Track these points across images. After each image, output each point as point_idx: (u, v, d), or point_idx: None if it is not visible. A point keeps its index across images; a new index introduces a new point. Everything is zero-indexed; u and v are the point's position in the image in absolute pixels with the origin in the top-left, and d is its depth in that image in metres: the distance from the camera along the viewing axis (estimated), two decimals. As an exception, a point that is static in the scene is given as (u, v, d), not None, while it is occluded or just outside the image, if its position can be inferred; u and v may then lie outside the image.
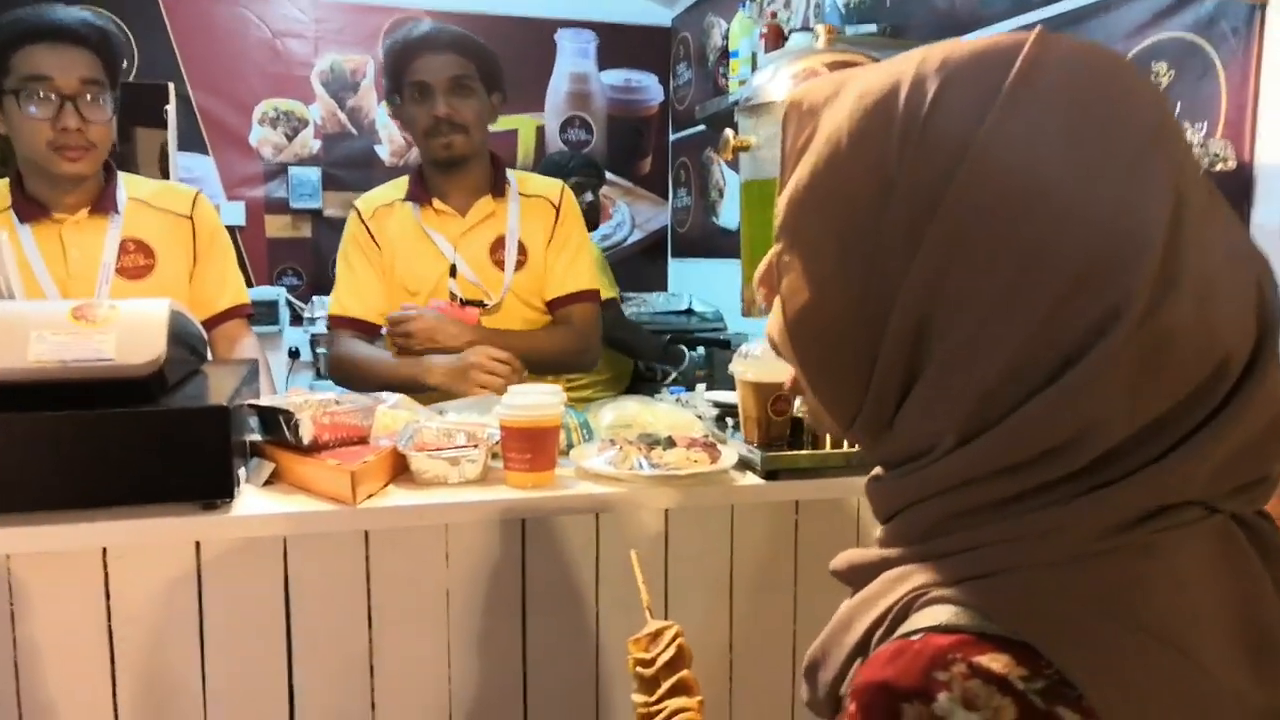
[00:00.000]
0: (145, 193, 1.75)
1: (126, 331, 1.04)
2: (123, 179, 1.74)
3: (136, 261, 1.69)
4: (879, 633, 0.53)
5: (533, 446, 1.24)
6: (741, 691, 1.35)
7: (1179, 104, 1.78)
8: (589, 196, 3.38)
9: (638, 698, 0.90)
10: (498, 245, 1.95)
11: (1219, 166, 1.45)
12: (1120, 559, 0.49)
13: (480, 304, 1.93)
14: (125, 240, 1.69)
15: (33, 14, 1.57)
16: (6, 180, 1.67)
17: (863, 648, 0.54)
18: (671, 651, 0.90)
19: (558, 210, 2.00)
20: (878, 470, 0.59)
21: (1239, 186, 1.71)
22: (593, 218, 3.44)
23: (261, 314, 3.43)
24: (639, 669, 0.90)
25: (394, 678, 1.23)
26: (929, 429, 0.52)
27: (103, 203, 1.68)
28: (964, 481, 0.52)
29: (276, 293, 3.93)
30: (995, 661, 0.45)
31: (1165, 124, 0.50)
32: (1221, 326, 0.48)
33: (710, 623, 1.33)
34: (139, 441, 1.06)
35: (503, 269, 1.95)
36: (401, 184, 2.00)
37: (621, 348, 3.25)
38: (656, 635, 0.91)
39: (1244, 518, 0.54)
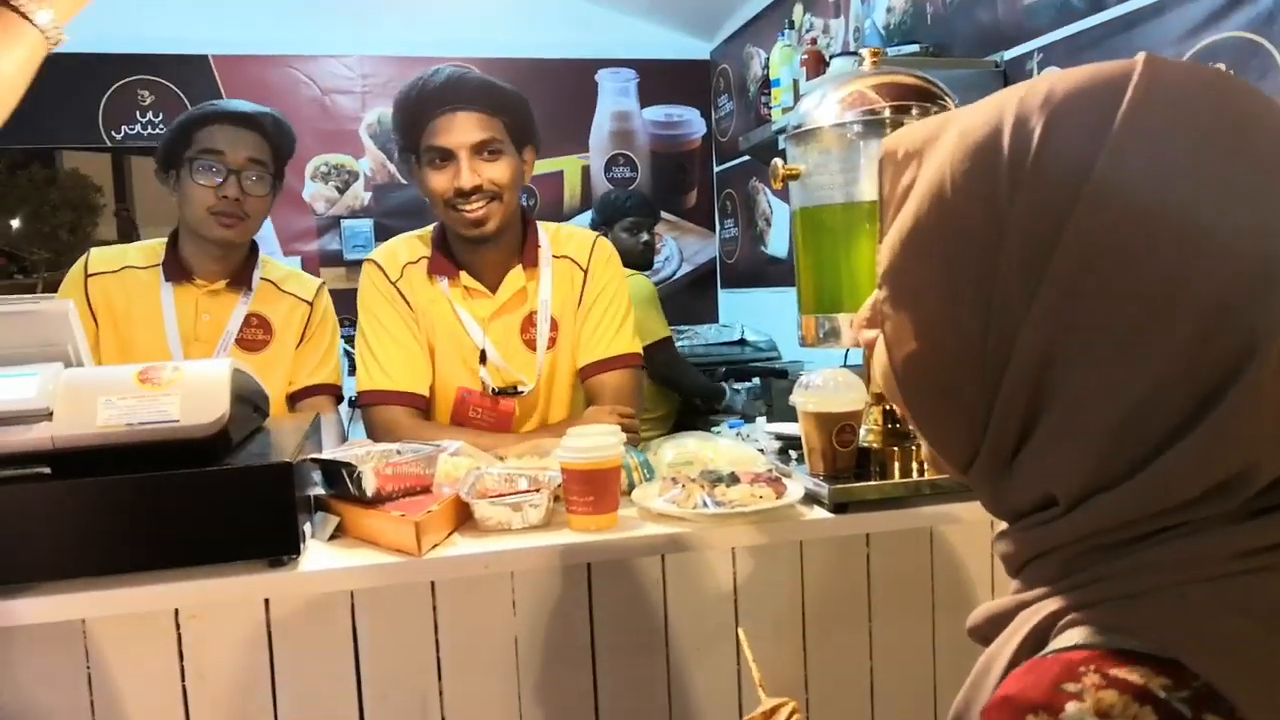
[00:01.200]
0: (277, 275, 1.91)
1: (190, 392, 1.05)
2: (261, 260, 1.90)
3: (256, 335, 1.84)
4: (1020, 663, 0.52)
5: (595, 488, 1.22)
6: (820, 733, 1.30)
7: None
8: (644, 236, 3.36)
9: None
10: (528, 323, 1.75)
11: None
12: (1261, 578, 0.48)
13: (515, 391, 1.74)
14: (250, 315, 1.84)
15: (221, 101, 1.88)
16: (164, 241, 1.84)
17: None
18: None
19: (585, 271, 1.78)
20: (1004, 526, 0.58)
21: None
22: (647, 258, 3.43)
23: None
24: None
25: (466, 730, 1.21)
26: (1053, 474, 0.51)
27: (241, 278, 1.84)
28: (1097, 531, 0.50)
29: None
30: (1133, 673, 0.44)
31: None
32: None
33: (783, 663, 1.29)
34: (205, 501, 1.06)
35: (534, 349, 1.75)
36: (418, 243, 1.78)
37: (669, 385, 3.24)
38: (773, 712, 0.88)
39: None
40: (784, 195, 3.83)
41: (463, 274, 1.73)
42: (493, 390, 1.73)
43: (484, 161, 1.65)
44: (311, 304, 1.91)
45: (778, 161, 1.29)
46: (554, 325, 1.76)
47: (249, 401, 1.25)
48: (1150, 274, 0.46)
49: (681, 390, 3.31)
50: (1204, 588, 0.47)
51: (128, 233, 4.36)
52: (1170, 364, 0.46)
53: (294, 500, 1.08)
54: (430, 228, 1.81)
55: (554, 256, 1.78)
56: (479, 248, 1.72)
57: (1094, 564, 0.51)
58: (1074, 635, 0.48)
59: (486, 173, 1.64)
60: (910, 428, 1.36)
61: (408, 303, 1.74)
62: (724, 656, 1.27)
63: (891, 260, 0.55)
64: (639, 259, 3.28)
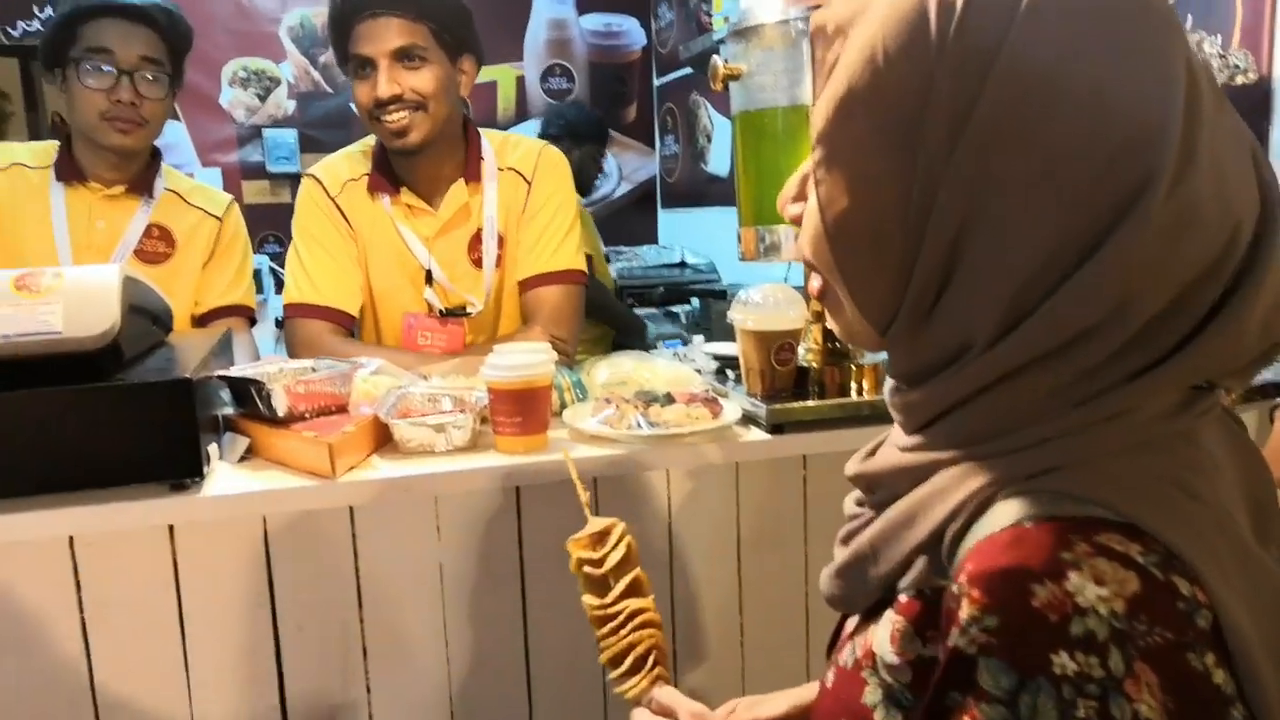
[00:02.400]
0: (182, 188, 1.78)
1: (74, 301, 0.96)
2: (165, 170, 1.77)
3: (157, 248, 1.71)
4: (954, 526, 0.53)
5: (523, 409, 1.16)
6: (754, 653, 1.29)
7: (1189, 16, 1.68)
8: (592, 162, 3.22)
9: (590, 600, 0.85)
10: (475, 241, 1.67)
11: (1239, 79, 1.36)
12: (1174, 446, 0.53)
13: (463, 312, 1.67)
14: (152, 225, 1.70)
15: None
16: (56, 144, 1.71)
17: (934, 541, 0.55)
18: (622, 551, 0.85)
19: (530, 182, 1.70)
20: (898, 384, 0.61)
21: (1258, 101, 1.62)
22: (587, 181, 3.29)
23: (246, 282, 3.37)
24: (587, 569, 0.84)
25: (388, 658, 1.16)
26: (967, 323, 0.54)
27: (140, 184, 1.70)
28: (1004, 375, 0.53)
29: (259, 261, 3.82)
30: (1112, 540, 0.48)
31: (1174, 13, 0.54)
32: (1233, 197, 0.52)
33: (718, 585, 1.27)
34: (96, 420, 0.98)
35: (481, 268, 1.68)
36: (359, 158, 1.70)
37: (594, 312, 3.15)
38: (602, 535, 0.85)
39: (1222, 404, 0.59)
40: (726, 109, 3.72)
41: (403, 190, 1.66)
42: (440, 312, 1.66)
43: (406, 70, 1.56)
44: (221, 219, 1.78)
45: (717, 60, 1.22)
46: (501, 242, 1.68)
47: (146, 313, 1.15)
48: (1058, 130, 0.50)
49: (599, 313, 3.23)
50: (1128, 459, 0.52)
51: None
52: (1069, 210, 0.50)
53: (195, 419, 1.00)
54: (371, 140, 1.71)
55: (499, 169, 1.70)
56: (417, 162, 1.64)
57: (1017, 427, 0.53)
58: (1035, 503, 0.50)
59: (408, 81, 1.56)
60: (850, 346, 1.32)
61: (347, 221, 1.66)
62: (658, 579, 1.24)
63: (825, 123, 0.57)
64: (578, 181, 3.16)
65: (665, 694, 0.83)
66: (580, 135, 3.15)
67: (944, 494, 0.54)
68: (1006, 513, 0.50)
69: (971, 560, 0.50)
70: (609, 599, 0.84)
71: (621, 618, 0.84)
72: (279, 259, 4.00)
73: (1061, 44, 0.51)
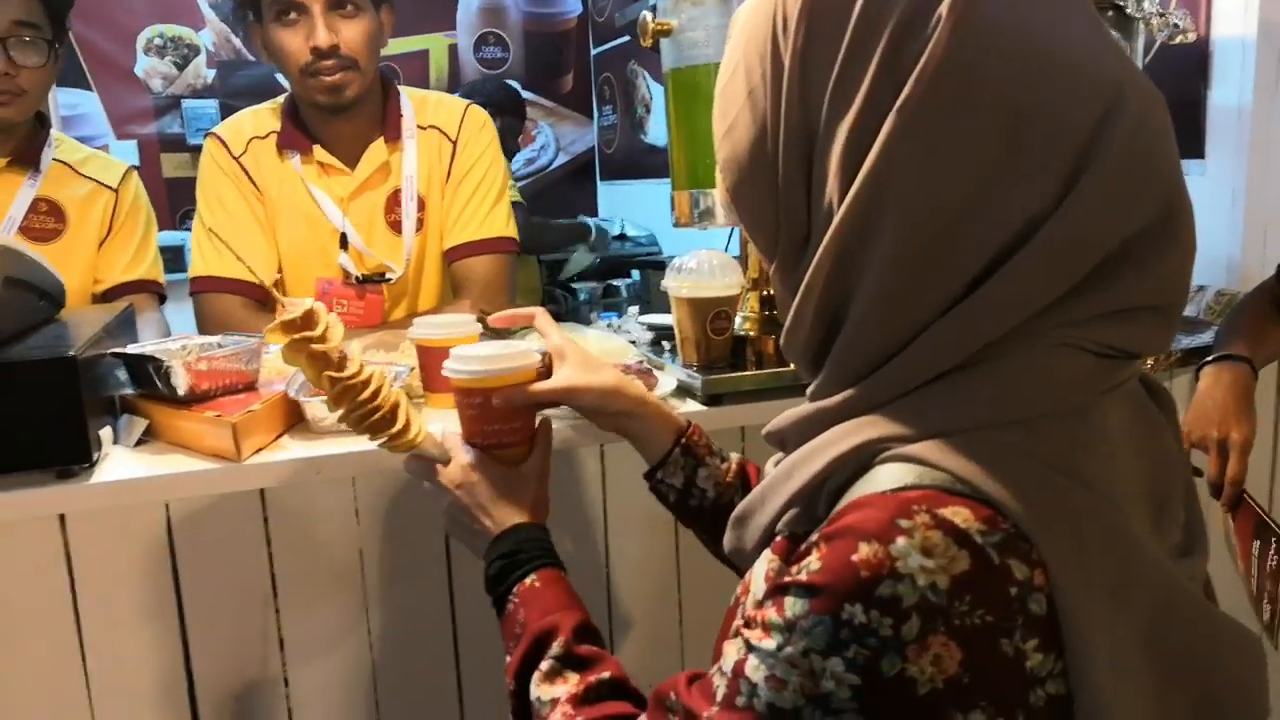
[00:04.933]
0: (74, 158, 1.66)
1: (-61, 274, 0.87)
2: (55, 139, 1.65)
3: (46, 224, 1.60)
4: (832, 479, 0.55)
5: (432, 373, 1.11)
6: (693, 628, 1.25)
7: (1128, -22, 1.66)
8: (509, 137, 3.17)
9: (332, 374, 0.79)
10: (393, 202, 1.58)
11: (1178, 39, 1.34)
12: (1062, 422, 0.53)
13: (382, 279, 1.57)
14: (39, 199, 1.59)
15: None
16: None
17: (809, 492, 0.57)
18: (339, 324, 0.81)
19: (455, 142, 1.62)
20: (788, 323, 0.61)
21: (1196, 62, 1.60)
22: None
23: (166, 260, 3.21)
24: (313, 348, 0.78)
25: (306, 652, 1.10)
26: (876, 271, 0.54)
27: (25, 156, 1.59)
28: (922, 329, 0.54)
29: (181, 237, 3.66)
30: (957, 515, 0.49)
31: None
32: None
33: (656, 561, 1.22)
34: (-32, 403, 0.89)
35: (400, 232, 1.59)
36: (267, 115, 1.61)
37: (535, 251, 3.13)
38: (309, 315, 0.79)
39: (1147, 379, 0.61)
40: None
41: (316, 148, 1.56)
42: (356, 278, 1.57)
43: (341, 19, 1.47)
44: (117, 190, 1.67)
45: (647, 15, 1.15)
46: (421, 204, 1.60)
47: (30, 288, 1.06)
48: (1012, 103, 0.51)
49: (550, 247, 3.19)
50: (1011, 432, 0.52)
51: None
52: (1010, 171, 0.51)
53: (80, 400, 0.92)
54: (281, 98, 1.61)
55: (419, 127, 1.61)
56: (334, 119, 1.55)
57: (912, 376, 0.54)
58: (905, 472, 0.51)
59: (344, 32, 1.47)
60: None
61: (253, 182, 1.56)
62: (592, 555, 1.19)
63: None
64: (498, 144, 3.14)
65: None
66: (499, 108, 3.09)
67: (827, 448, 0.56)
68: (881, 479, 0.52)
69: (836, 518, 0.52)
70: (354, 368, 0.80)
71: (374, 381, 0.81)
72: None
73: (1016, 6, 0.52)
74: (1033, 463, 0.51)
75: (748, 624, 0.54)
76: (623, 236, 3.95)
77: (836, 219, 0.54)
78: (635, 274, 3.64)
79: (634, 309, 1.64)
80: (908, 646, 0.47)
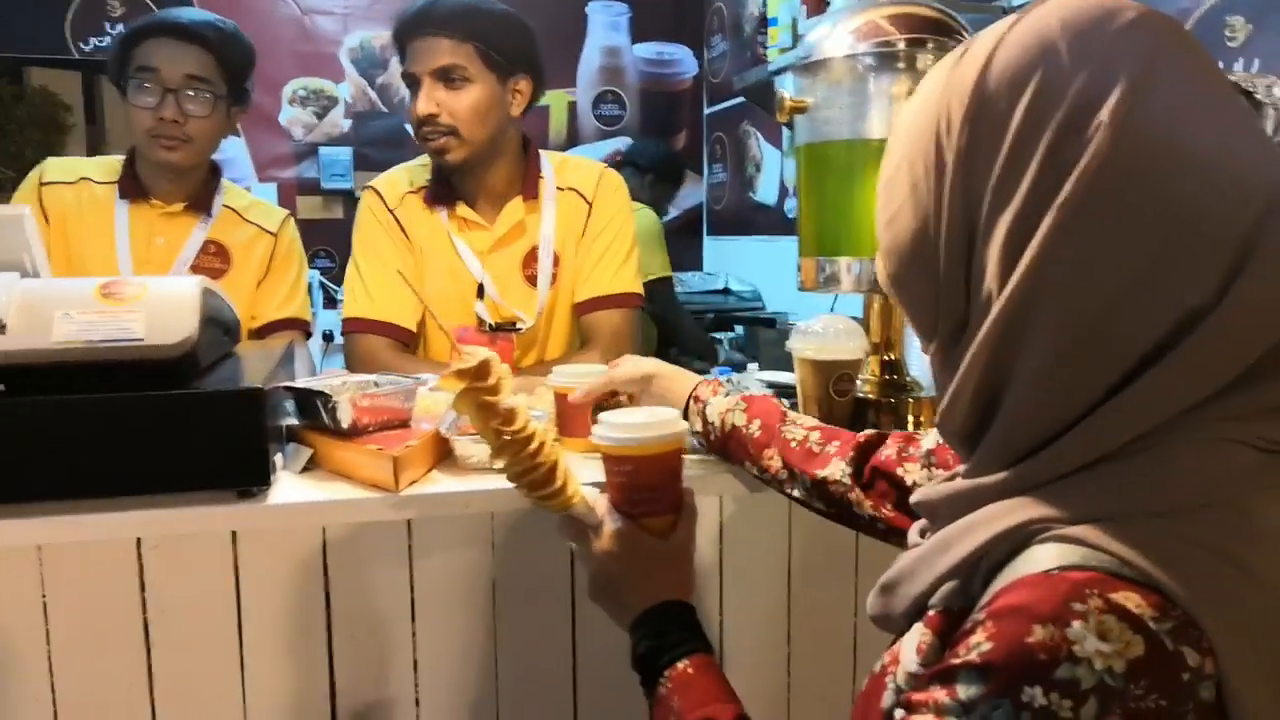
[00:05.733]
0: (240, 204, 1.82)
1: (156, 310, 0.99)
2: (225, 187, 1.81)
3: (213, 264, 1.75)
4: (989, 556, 0.55)
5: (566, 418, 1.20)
6: (800, 686, 1.28)
7: (1257, 60, 1.67)
8: (666, 200, 3.30)
9: (500, 427, 0.83)
10: (530, 258, 1.69)
11: (1310, 125, 1.35)
12: (1224, 512, 0.52)
13: (513, 328, 1.66)
14: (209, 241, 1.75)
15: (160, 13, 1.74)
16: (123, 158, 1.77)
17: (965, 568, 0.57)
18: (510, 377, 0.84)
19: (591, 203, 1.72)
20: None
21: (1328, 147, 1.59)
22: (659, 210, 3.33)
23: (296, 294, 3.44)
24: (485, 399, 0.82)
25: (438, 671, 1.17)
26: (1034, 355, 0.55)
27: (200, 202, 1.76)
28: (1083, 415, 0.54)
29: (310, 276, 3.90)
30: (1129, 600, 0.49)
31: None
32: None
33: (768, 614, 1.26)
34: (170, 426, 1.00)
35: (535, 285, 1.69)
36: (419, 171, 1.73)
37: (662, 325, 3.18)
38: (483, 366, 0.82)
39: None
40: (776, 140, 3.74)
41: (460, 204, 1.68)
42: (489, 326, 1.67)
43: (446, 90, 1.59)
44: (276, 235, 1.82)
45: (783, 93, 1.23)
46: (556, 260, 1.70)
47: (220, 325, 1.18)
48: (1172, 202, 0.52)
49: (674, 335, 3.25)
50: (1176, 521, 0.52)
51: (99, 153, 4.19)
52: (1168, 267, 0.52)
53: (264, 428, 1.02)
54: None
55: (559, 189, 1.72)
56: (475, 177, 1.67)
57: (1073, 460, 0.54)
58: (1070, 552, 0.51)
59: (447, 102, 1.59)
60: (907, 379, 1.32)
61: (405, 233, 1.69)
62: (709, 602, 1.24)
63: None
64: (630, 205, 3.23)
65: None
66: (660, 174, 3.22)
67: (985, 525, 0.56)
68: (1040, 558, 0.52)
69: (999, 596, 0.52)
70: (520, 422, 0.83)
71: (537, 438, 0.84)
72: (330, 274, 4.08)
73: (1173, 114, 0.53)
74: (1198, 550, 0.51)
75: (909, 707, 0.54)
76: (727, 290, 4.02)
77: (996, 308, 0.56)
78: (739, 329, 3.70)
79: (753, 366, 1.70)
80: None
